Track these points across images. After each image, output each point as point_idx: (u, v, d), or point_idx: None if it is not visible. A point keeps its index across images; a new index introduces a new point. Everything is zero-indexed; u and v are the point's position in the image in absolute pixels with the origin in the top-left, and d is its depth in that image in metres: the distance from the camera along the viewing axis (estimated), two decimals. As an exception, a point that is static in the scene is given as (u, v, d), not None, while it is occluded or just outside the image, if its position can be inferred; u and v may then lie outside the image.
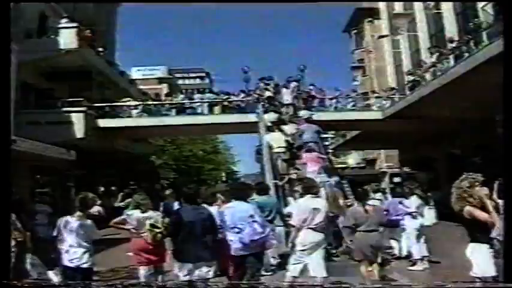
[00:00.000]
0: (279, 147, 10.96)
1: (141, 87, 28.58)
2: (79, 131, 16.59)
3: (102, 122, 18.05)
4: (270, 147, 11.11)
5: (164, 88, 38.97)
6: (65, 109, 16.98)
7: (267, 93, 17.49)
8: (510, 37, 3.03)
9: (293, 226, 5.62)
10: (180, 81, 57.82)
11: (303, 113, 13.33)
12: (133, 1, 24.54)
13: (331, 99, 19.53)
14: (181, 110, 19.42)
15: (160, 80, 41.78)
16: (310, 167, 9.79)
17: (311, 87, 19.37)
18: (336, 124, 18.17)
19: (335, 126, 19.67)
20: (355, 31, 33.12)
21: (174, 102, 20.01)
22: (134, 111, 19.51)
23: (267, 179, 9.80)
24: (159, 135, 26.52)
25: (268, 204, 7.01)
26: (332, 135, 32.90)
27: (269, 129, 12.20)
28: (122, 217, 6.16)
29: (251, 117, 16.36)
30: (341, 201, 8.40)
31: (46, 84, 17.65)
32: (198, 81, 69.02)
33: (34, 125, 15.45)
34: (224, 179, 43.33)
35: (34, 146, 12.52)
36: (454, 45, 14.77)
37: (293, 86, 17.35)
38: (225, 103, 19.36)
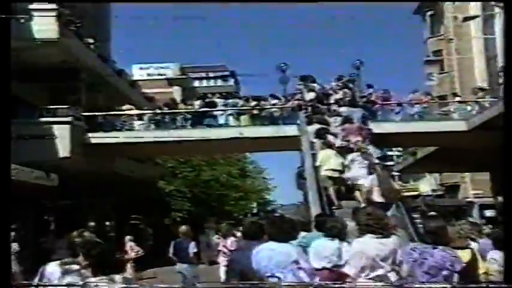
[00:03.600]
0: (329, 169, 10.85)
1: (146, 90, 28.93)
2: (63, 148, 16.72)
3: (94, 137, 18.22)
4: (317, 170, 11.08)
5: (176, 92, 39.55)
6: (43, 119, 17.12)
7: (311, 98, 17.45)
8: (510, 37, 3.81)
9: (347, 276, 5.44)
10: (197, 83, 58.56)
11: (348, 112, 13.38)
12: (133, 1, 25.02)
13: (398, 104, 19.00)
14: (198, 121, 19.54)
15: (171, 82, 42.47)
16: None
17: (370, 89, 19.06)
18: (403, 138, 17.78)
19: (402, 142, 19.19)
20: (430, 12, 32.45)
21: (189, 110, 20.10)
22: (137, 123, 19.73)
23: (313, 212, 9.61)
24: (170, 154, 26.67)
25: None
26: (398, 154, 32.35)
27: (314, 145, 12.24)
28: None
29: (290, 130, 16.39)
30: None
31: (16, 86, 17.95)
32: (219, 82, 69.77)
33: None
34: (255, 211, 43.14)
35: None
36: None
37: (345, 88, 17.32)
38: (255, 112, 19.41)
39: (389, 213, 8.24)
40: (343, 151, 11.06)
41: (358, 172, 10.32)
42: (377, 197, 9.37)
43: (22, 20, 15.07)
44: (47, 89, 18.70)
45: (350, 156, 10.77)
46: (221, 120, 19.38)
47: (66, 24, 17.28)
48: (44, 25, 16.26)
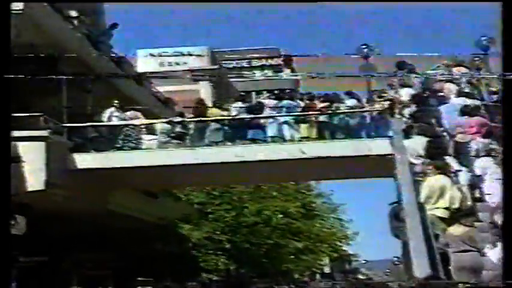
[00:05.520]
0: (443, 208, 10.80)
1: (159, 88, 29.11)
2: (35, 177, 16.67)
3: (82, 159, 18.24)
4: (422, 207, 10.96)
5: (204, 89, 39.62)
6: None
7: (409, 96, 17.19)
8: (510, 37, 6.05)
9: None
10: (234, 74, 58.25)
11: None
12: (133, 1, 25.32)
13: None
14: (238, 133, 19.42)
15: (196, 74, 42.33)
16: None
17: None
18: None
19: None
20: None
21: (224, 117, 19.90)
22: (146, 138, 19.75)
23: (417, 272, 9.58)
24: (198, 185, 26.78)
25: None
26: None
27: (417, 168, 12.31)
28: None
29: (377, 146, 16.30)
30: None
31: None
32: (268, 74, 69.34)
33: None
34: (327, 270, 42.44)
35: None
36: None
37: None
38: (324, 118, 19.25)
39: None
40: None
41: (493, 187, 10.55)
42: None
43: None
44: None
45: (480, 163, 11.10)
46: (272, 132, 19.19)
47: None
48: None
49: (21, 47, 17.68)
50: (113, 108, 19.80)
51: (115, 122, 19.85)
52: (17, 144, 16.54)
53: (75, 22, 20.12)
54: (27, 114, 17.40)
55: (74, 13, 20.02)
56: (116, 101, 20.00)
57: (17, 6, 16.32)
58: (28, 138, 16.83)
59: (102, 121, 19.75)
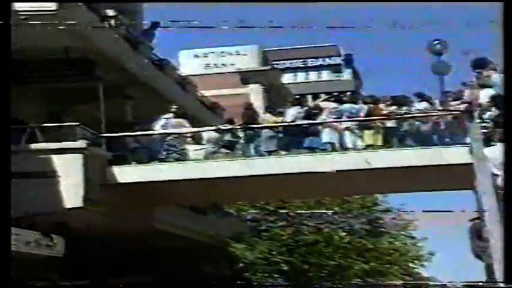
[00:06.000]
0: None
1: (205, 92, 29.20)
2: (72, 193, 16.84)
3: (122, 172, 18.35)
4: None
5: (255, 93, 39.60)
6: (36, 146, 17.35)
7: (489, 97, 16.95)
8: (510, 37, 7.43)
9: None
10: (289, 77, 58.08)
11: None
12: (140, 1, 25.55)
13: None
14: (293, 141, 19.36)
15: (246, 77, 42.70)
16: None
17: None
18: None
19: None
20: None
21: (278, 124, 19.86)
22: (192, 148, 19.77)
23: None
24: (249, 199, 26.74)
25: None
26: None
27: (499, 182, 12.15)
28: None
29: (454, 155, 16.16)
30: None
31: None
32: (326, 76, 69.04)
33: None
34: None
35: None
36: None
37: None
38: (391, 124, 19.13)
39: None
40: None
41: None
42: None
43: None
44: (41, 95, 19.03)
45: None
46: (332, 140, 19.07)
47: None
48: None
49: (54, 51, 17.94)
50: (170, 115, 19.92)
51: (157, 131, 19.88)
52: (51, 157, 16.89)
53: (113, 22, 20.12)
54: (62, 124, 17.73)
55: (111, 12, 20.06)
56: (175, 107, 20.09)
57: (50, 6, 16.56)
58: (63, 151, 17.08)
59: (145, 130, 19.77)
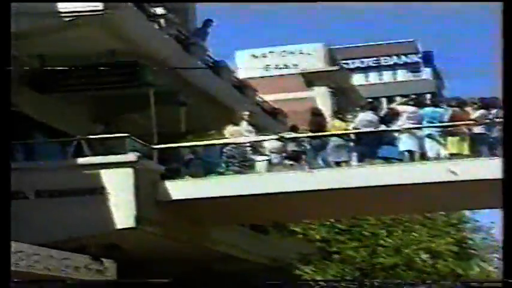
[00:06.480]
0: None
1: (265, 97, 29.34)
2: (122, 212, 16.99)
3: (176, 187, 18.40)
4: None
5: (321, 97, 39.41)
6: (82, 161, 17.54)
7: None
8: (510, 37, 7.79)
9: None
10: (359, 79, 57.45)
11: None
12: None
13: None
14: (367, 150, 19.27)
15: (311, 78, 42.62)
16: None
17: None
18: None
19: None
20: None
21: (349, 131, 19.77)
22: (259, 159, 19.82)
23: None
24: (318, 217, 26.73)
25: None
26: None
27: None
28: None
29: None
30: None
31: (29, 101, 18.38)
32: (402, 76, 68.04)
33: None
34: None
35: (16, 247, 12.75)
36: None
37: None
38: (479, 130, 18.87)
39: None
40: None
41: None
42: None
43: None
44: (85, 105, 19.37)
45: None
46: (410, 147, 18.96)
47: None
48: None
49: (100, 56, 18.08)
50: (245, 124, 20.15)
51: (216, 141, 19.90)
52: (99, 172, 17.04)
53: (162, 22, 20.34)
54: (110, 136, 17.93)
55: (160, 11, 20.27)
56: (247, 112, 20.23)
57: (96, 6, 16.69)
58: (112, 165, 17.23)
59: (204, 139, 19.83)
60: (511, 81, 7.60)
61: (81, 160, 17.55)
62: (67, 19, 16.75)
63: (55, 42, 17.13)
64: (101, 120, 18.94)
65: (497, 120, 18.28)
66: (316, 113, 21.38)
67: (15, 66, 16.29)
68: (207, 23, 24.15)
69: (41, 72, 18.03)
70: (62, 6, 16.77)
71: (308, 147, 19.72)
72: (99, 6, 16.84)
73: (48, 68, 17.63)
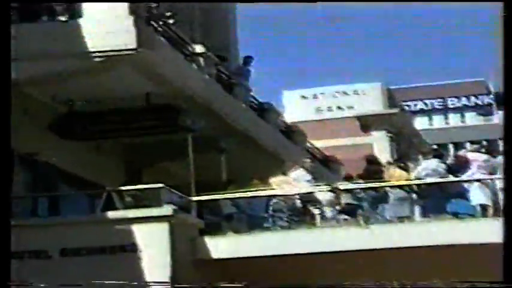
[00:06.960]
0: None
1: (317, 142, 29.68)
2: (157, 272, 16.89)
3: (217, 245, 18.48)
4: None
5: (379, 142, 39.49)
6: (113, 214, 17.63)
7: None
8: (510, 37, 9.59)
9: None
10: (422, 122, 57.26)
11: None
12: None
13: None
14: (430, 203, 19.26)
15: (367, 121, 42.78)
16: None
17: None
18: None
19: None
20: None
21: (412, 182, 19.78)
22: (316, 212, 19.78)
23: None
24: (374, 278, 26.08)
25: None
26: None
27: None
28: None
29: None
30: None
31: (55, 149, 18.63)
32: (471, 119, 67.73)
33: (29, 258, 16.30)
34: None
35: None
36: None
37: None
38: None
39: None
40: None
41: None
42: None
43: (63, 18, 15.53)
44: (116, 153, 19.62)
45: None
46: (483, 200, 18.84)
47: (151, 20, 18.14)
48: (105, 24, 17.13)
49: (134, 99, 18.23)
50: (304, 173, 20.30)
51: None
52: (131, 227, 17.11)
53: (201, 61, 20.42)
54: (144, 187, 18.08)
55: (199, 49, 20.38)
56: (308, 160, 20.39)
57: (130, 45, 16.90)
58: (146, 219, 17.27)
59: (247, 190, 19.75)
60: (511, 81, 8.25)
61: (111, 214, 17.65)
62: (98, 59, 16.97)
63: (85, 85, 17.38)
64: (134, 170, 19.01)
65: None
66: (374, 161, 21.36)
67: (40, 112, 16.63)
68: (248, 60, 24.22)
69: (68, 117, 18.27)
70: (92, 46, 17.00)
71: (364, 199, 19.68)
72: (133, 44, 17.07)
73: (77, 112, 17.82)
